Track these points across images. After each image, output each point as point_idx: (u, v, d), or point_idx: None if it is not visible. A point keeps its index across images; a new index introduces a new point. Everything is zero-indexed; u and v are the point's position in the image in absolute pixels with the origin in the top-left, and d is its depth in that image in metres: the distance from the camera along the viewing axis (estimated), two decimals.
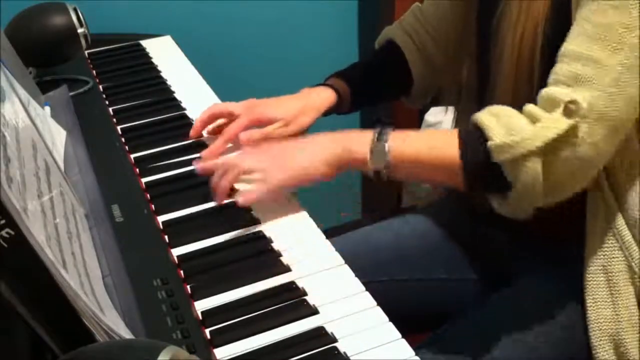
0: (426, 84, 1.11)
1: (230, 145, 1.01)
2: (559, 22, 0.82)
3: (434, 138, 0.86)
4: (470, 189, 0.84)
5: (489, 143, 0.79)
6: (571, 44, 0.78)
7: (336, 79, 1.09)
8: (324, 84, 1.08)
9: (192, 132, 1.05)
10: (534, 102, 0.82)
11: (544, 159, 0.77)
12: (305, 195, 0.92)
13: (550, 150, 0.77)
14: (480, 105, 0.96)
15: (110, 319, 0.62)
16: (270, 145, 0.92)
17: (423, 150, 0.84)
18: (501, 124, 0.79)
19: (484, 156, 0.79)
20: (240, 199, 0.86)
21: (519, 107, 0.82)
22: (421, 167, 0.85)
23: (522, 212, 0.83)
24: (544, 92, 0.79)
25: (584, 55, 0.77)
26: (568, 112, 0.76)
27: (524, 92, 0.86)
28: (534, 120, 0.77)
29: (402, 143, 0.84)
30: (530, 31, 0.84)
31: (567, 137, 0.76)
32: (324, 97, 1.06)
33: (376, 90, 1.14)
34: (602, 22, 0.76)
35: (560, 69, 0.79)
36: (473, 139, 0.81)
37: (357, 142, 0.85)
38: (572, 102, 0.76)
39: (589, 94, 0.76)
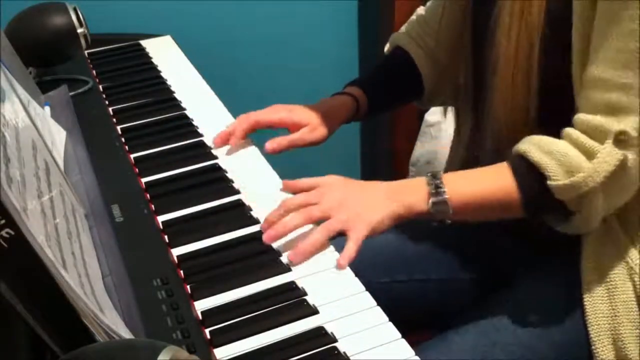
0: (436, 86, 1.12)
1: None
2: (556, 33, 0.83)
3: (489, 180, 0.86)
4: (531, 220, 0.86)
5: (550, 183, 0.80)
6: (601, 71, 0.79)
7: (353, 87, 1.11)
8: (341, 93, 1.10)
9: (217, 141, 1.04)
10: (531, 108, 0.86)
11: (604, 189, 0.79)
12: None
13: (608, 181, 0.79)
14: (476, 108, 0.97)
15: (110, 319, 0.62)
16: (336, 190, 0.86)
17: (484, 195, 0.85)
18: (558, 162, 0.80)
19: (545, 195, 0.81)
20: (341, 262, 0.79)
21: (516, 112, 0.86)
22: (481, 210, 0.86)
23: (584, 230, 0.86)
24: (588, 120, 0.80)
25: (618, 83, 0.78)
26: (618, 142, 0.78)
27: (521, 98, 0.87)
28: (589, 155, 0.79)
29: (460, 191, 0.84)
30: (525, 39, 0.85)
31: (622, 167, 0.78)
32: (344, 105, 1.08)
33: (391, 95, 1.16)
34: (632, 48, 0.76)
35: (594, 97, 0.80)
36: (530, 179, 0.82)
37: (414, 196, 0.84)
38: (622, 132, 0.77)
39: (634, 121, 0.77)
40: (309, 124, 1.04)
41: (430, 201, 0.84)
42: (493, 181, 0.85)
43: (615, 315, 0.86)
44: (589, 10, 0.80)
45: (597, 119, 0.79)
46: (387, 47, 1.18)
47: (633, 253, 0.86)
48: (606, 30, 0.78)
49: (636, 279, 0.86)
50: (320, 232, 0.81)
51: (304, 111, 1.05)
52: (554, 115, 0.84)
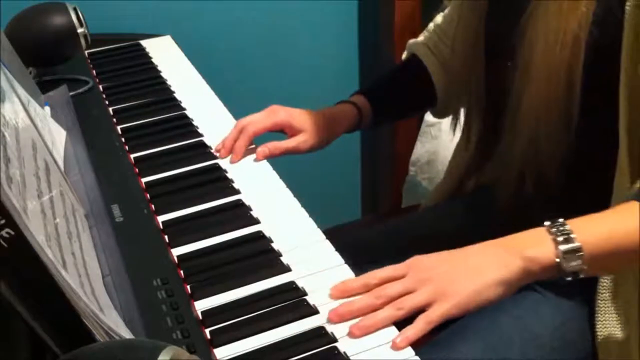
0: (449, 96, 1.12)
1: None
2: (608, 37, 0.79)
3: (622, 221, 0.74)
4: None
5: None
6: None
7: (358, 96, 1.10)
8: (345, 101, 1.09)
9: (223, 153, 1.01)
10: (577, 119, 0.81)
11: None
12: (305, 195, 0.92)
13: None
14: (491, 112, 0.94)
15: (110, 319, 0.62)
16: (427, 262, 0.74)
17: (618, 239, 0.73)
18: None
19: None
20: (400, 341, 0.67)
21: (551, 124, 0.81)
22: (618, 259, 0.75)
23: None
24: None
25: None
26: None
27: (559, 108, 0.82)
28: None
29: (592, 236, 0.73)
30: (568, 42, 0.80)
31: None
32: (345, 114, 1.07)
33: (398, 106, 1.15)
34: None
35: None
36: None
37: (536, 246, 0.72)
38: None
39: None
40: (306, 131, 1.03)
41: (560, 250, 0.71)
42: (628, 222, 0.73)
43: (628, 344, 0.84)
44: None
45: None
46: (404, 55, 1.18)
47: None
48: None
49: None
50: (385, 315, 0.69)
51: (303, 118, 1.04)
52: (595, 113, 0.82)
